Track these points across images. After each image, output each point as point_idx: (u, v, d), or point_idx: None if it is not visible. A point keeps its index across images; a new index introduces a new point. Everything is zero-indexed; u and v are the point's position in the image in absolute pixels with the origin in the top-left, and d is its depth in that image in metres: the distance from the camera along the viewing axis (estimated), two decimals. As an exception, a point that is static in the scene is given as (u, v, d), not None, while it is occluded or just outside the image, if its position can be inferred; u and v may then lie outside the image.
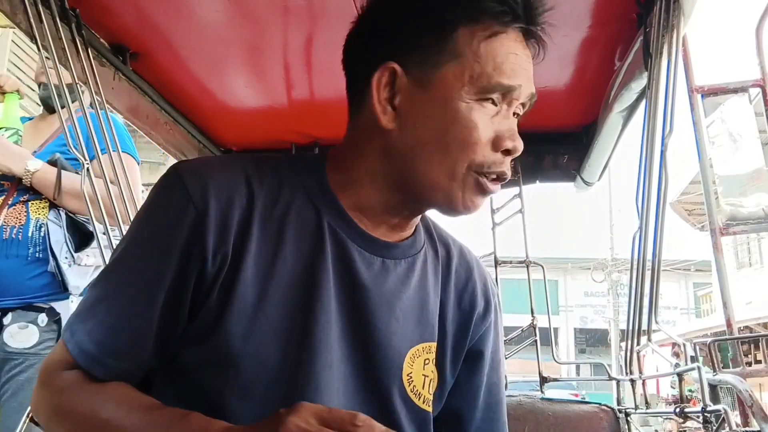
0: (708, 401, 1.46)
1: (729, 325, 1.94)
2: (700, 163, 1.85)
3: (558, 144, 2.45)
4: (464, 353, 0.98)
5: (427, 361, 0.92)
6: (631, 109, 1.96)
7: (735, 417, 1.55)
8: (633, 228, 1.73)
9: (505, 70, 0.84)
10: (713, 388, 1.55)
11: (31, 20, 1.51)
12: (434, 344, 0.93)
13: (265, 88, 2.15)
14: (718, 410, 1.44)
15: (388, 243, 0.92)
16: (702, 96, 1.91)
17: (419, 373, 0.91)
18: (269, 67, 2.02)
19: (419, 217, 0.96)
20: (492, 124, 0.85)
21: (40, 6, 1.53)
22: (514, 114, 0.88)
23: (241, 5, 1.69)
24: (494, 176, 0.86)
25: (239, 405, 0.82)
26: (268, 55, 1.96)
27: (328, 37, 1.83)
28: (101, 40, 1.85)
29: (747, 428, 1.56)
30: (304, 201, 0.89)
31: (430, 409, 0.92)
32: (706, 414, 1.46)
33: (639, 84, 1.76)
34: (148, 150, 11.72)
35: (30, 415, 1.62)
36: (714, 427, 1.47)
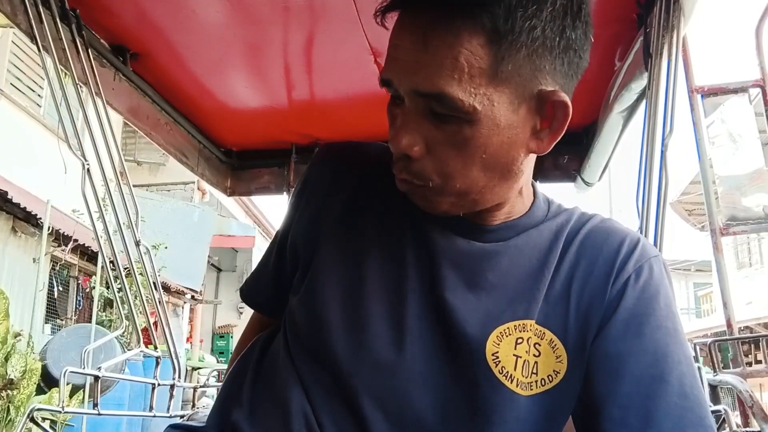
0: (708, 402, 1.46)
1: (729, 325, 1.94)
2: (700, 163, 1.85)
3: (558, 144, 2.41)
4: (596, 328, 0.82)
5: (520, 341, 0.82)
6: (632, 109, 1.96)
7: (735, 417, 1.55)
8: (633, 228, 1.72)
9: (386, 62, 0.77)
10: (713, 388, 1.55)
11: (32, 21, 1.51)
12: (531, 322, 0.83)
13: (265, 89, 2.15)
14: (719, 410, 1.44)
15: (478, 225, 0.86)
16: (702, 96, 1.91)
17: (509, 353, 0.82)
18: (269, 68, 2.02)
19: (506, 204, 0.86)
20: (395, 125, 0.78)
21: (40, 6, 1.53)
22: (430, 113, 0.75)
23: (242, 6, 1.69)
24: (399, 173, 0.80)
25: (299, 358, 0.88)
26: (269, 55, 1.96)
27: (329, 38, 1.84)
28: (101, 40, 1.85)
29: (747, 428, 1.56)
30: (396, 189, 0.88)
31: (525, 394, 0.81)
32: (706, 414, 1.46)
33: (639, 84, 1.76)
34: (149, 151, 11.74)
35: (30, 415, 1.61)
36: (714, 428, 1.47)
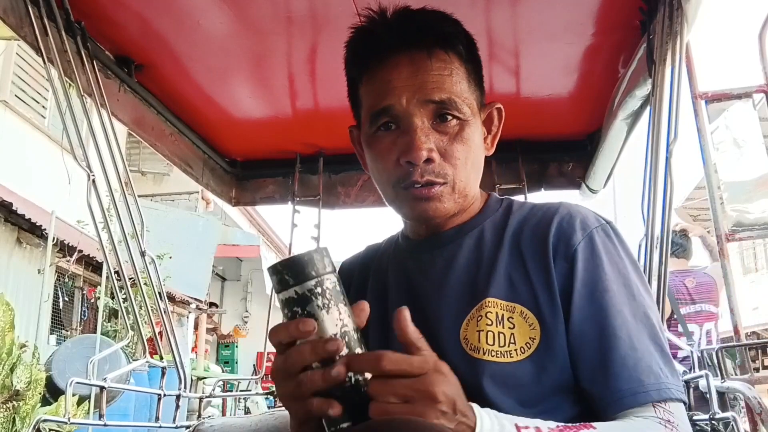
0: (716, 409, 1.45)
1: (736, 331, 1.93)
2: (705, 169, 1.85)
3: (563, 152, 2.45)
4: (560, 298, 0.95)
5: (479, 318, 0.97)
6: (636, 115, 1.96)
7: (744, 424, 1.53)
8: (639, 235, 1.72)
9: (380, 96, 1.00)
10: (721, 395, 1.54)
11: (37, 33, 1.52)
12: (487, 300, 0.97)
13: (269, 99, 2.16)
14: (727, 418, 1.42)
15: (436, 236, 1.06)
16: (706, 102, 1.91)
17: (473, 331, 0.97)
18: (273, 78, 2.03)
19: (448, 218, 1.04)
20: (395, 145, 0.99)
21: (45, 19, 1.54)
22: (435, 120, 0.98)
23: (245, 17, 1.70)
24: (418, 185, 0.98)
25: None
26: (272, 65, 1.96)
27: (332, 48, 1.84)
28: (106, 52, 1.86)
29: (756, 435, 1.55)
30: (390, 242, 1.18)
31: (493, 359, 0.94)
32: (714, 422, 1.45)
33: (643, 91, 1.76)
34: (153, 161, 11.77)
35: (37, 426, 1.61)
36: (723, 435, 1.46)
